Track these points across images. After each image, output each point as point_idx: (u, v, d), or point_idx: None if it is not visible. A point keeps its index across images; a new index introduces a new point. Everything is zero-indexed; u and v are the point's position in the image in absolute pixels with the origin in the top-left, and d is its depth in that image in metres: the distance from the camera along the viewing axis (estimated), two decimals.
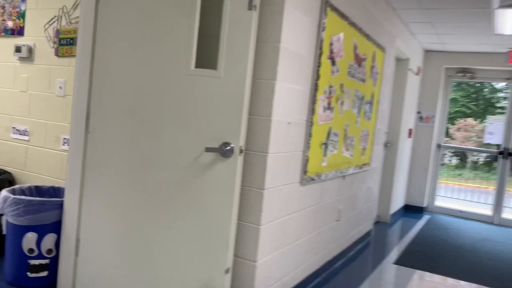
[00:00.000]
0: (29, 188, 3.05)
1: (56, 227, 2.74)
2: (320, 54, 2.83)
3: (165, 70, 2.42)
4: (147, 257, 2.47)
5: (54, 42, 3.21)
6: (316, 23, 2.77)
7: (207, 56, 2.45)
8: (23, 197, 2.70)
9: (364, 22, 3.62)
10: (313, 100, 2.83)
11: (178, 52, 2.39)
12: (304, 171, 2.85)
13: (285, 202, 2.68)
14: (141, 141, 2.47)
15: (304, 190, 2.93)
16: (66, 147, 3.16)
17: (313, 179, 3.00)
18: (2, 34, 3.48)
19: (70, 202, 2.68)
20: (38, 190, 3.08)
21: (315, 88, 2.83)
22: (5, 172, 3.41)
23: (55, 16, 3.21)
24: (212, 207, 2.38)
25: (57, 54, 3.21)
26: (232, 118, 2.33)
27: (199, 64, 2.40)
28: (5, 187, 3.11)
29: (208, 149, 2.32)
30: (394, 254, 4.47)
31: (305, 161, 2.85)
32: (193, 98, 2.37)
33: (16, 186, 2.99)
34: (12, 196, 2.71)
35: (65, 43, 3.16)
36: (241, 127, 2.33)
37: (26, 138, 3.38)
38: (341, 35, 3.14)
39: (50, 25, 3.23)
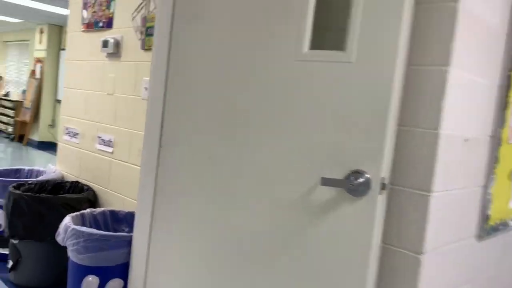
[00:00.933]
0: (103, 213, 2.45)
1: (122, 270, 2.07)
2: None
3: (264, 57, 1.58)
4: None
5: (141, 33, 2.60)
6: None
7: (327, 32, 1.56)
8: (83, 228, 2.08)
9: None
10: (503, 103, 1.74)
11: (283, 28, 1.53)
12: (485, 218, 1.76)
13: (453, 270, 1.63)
14: (226, 162, 1.65)
15: (482, 248, 1.83)
16: None
17: (496, 230, 1.88)
18: (93, 28, 3.00)
19: (139, 239, 1.98)
20: (113, 216, 2.47)
21: (507, 82, 1.73)
22: (88, 189, 2.90)
23: (144, 0, 2.60)
24: (332, 274, 1.45)
25: (143, 47, 2.59)
26: (368, 130, 1.38)
27: (316, 44, 1.52)
28: (84, 208, 2.57)
29: (326, 181, 1.41)
30: None
31: (487, 202, 1.76)
32: (303, 96, 1.49)
33: (87, 211, 2.41)
34: (72, 226, 2.10)
35: (152, 32, 2.52)
36: (384, 146, 1.37)
37: (110, 150, 2.83)
38: None
39: (138, 12, 2.63)
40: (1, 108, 10.63)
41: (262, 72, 1.59)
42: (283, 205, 1.51)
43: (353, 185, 1.38)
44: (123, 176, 2.71)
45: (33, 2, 7.00)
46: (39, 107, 9.44)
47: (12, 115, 10.12)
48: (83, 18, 3.09)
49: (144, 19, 2.57)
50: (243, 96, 1.63)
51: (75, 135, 3.16)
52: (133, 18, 2.66)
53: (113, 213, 2.47)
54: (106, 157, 2.85)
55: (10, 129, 10.15)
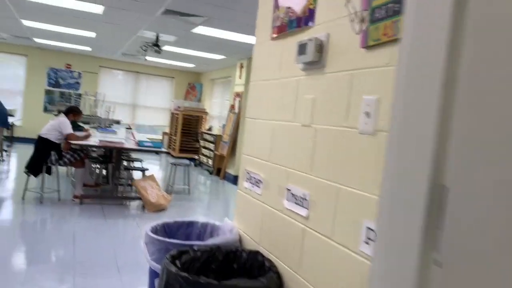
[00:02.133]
0: None
1: None
2: None
3: None
4: None
5: (362, 20, 1.54)
6: None
7: None
8: None
9: None
10: None
11: None
12: None
13: None
14: None
15: None
16: (371, 251, 1.39)
17: None
18: (287, 30, 2.08)
19: None
20: None
21: None
22: (270, 268, 1.92)
23: None
24: None
25: (365, 43, 1.51)
26: None
27: None
28: None
29: None
30: None
31: None
32: None
33: None
34: None
35: (382, 15, 1.43)
36: None
37: (303, 212, 1.80)
38: None
39: None
40: (204, 141, 11.07)
41: None
42: None
43: None
44: (323, 260, 1.64)
45: (236, 34, 6.82)
46: (236, 141, 9.37)
47: (212, 148, 10.37)
48: (273, 21, 2.22)
49: None
50: None
51: (257, 182, 2.26)
52: (347, 1, 1.62)
53: None
54: (298, 223, 1.83)
55: (210, 162, 10.40)
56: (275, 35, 2.19)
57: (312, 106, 1.80)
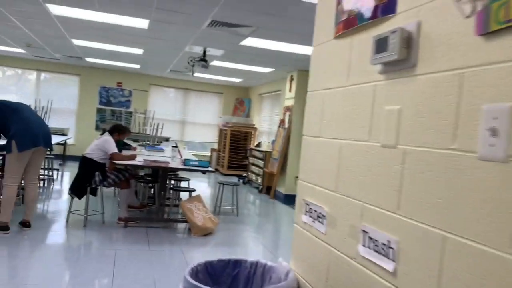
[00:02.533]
0: None
1: None
2: None
3: None
4: None
5: None
6: None
7: None
8: None
9: None
10: None
11: None
12: None
13: None
14: None
15: None
16: None
17: None
18: (356, 25, 1.63)
19: None
20: None
21: None
22: None
23: None
24: None
25: (484, 30, 1.04)
26: None
27: None
28: None
29: None
30: None
31: None
32: None
33: None
34: None
35: None
36: None
37: (389, 267, 1.32)
38: None
39: None
40: (252, 158, 10.69)
41: None
42: None
43: None
44: None
45: (285, 44, 6.43)
46: (286, 158, 8.92)
47: (261, 165, 9.96)
48: (337, 15, 1.78)
49: None
50: None
51: (319, 217, 1.80)
52: None
53: None
54: (380, 279, 1.36)
55: (259, 179, 9.99)
56: (340, 32, 1.75)
57: (398, 121, 1.34)
